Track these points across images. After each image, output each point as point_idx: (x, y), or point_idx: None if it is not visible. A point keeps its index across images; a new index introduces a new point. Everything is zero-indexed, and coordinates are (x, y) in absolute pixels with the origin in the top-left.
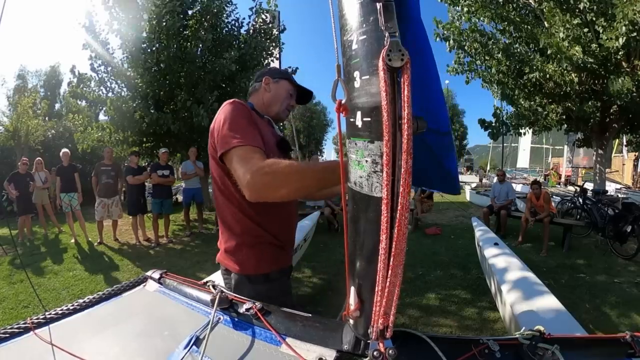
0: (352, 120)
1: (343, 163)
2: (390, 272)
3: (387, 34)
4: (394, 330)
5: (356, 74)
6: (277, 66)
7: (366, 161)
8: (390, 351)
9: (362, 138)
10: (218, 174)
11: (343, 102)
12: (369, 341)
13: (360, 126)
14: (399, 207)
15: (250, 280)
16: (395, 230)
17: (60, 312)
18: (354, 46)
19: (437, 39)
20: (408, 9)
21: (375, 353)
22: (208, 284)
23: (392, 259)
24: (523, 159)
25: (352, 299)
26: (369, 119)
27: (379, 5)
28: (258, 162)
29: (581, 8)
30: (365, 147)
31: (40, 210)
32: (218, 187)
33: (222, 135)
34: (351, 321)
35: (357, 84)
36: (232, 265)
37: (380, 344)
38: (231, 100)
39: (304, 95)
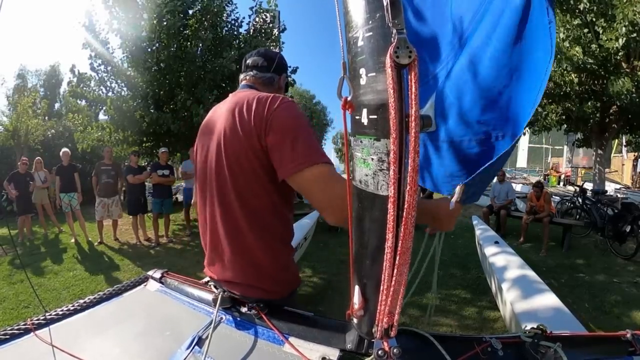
0: (357, 117)
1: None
2: (396, 270)
3: (394, 31)
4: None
5: (362, 71)
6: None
7: (372, 159)
8: (394, 350)
9: (367, 136)
10: (254, 181)
11: (349, 99)
12: (373, 340)
13: (366, 124)
14: (405, 206)
15: (287, 303)
16: (402, 229)
17: (60, 312)
18: (360, 43)
19: None
20: None
21: (380, 352)
22: (209, 283)
23: (398, 258)
24: (522, 159)
25: (356, 298)
26: (375, 117)
27: (385, 1)
28: (344, 188)
29: (581, 9)
30: (371, 145)
31: (40, 210)
32: (247, 194)
33: (301, 145)
34: (355, 320)
35: (362, 81)
36: (265, 290)
37: (385, 343)
38: (289, 99)
39: None
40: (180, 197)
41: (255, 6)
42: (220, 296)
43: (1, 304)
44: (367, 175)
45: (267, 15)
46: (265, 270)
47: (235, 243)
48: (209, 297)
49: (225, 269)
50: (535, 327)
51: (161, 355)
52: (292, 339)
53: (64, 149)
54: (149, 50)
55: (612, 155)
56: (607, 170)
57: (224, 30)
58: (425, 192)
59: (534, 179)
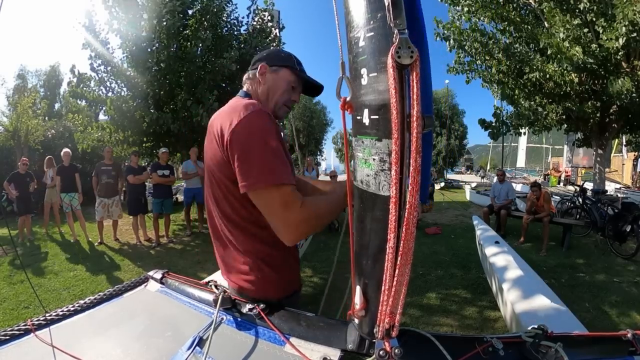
0: (358, 118)
1: (348, 161)
2: (397, 271)
3: (396, 31)
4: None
5: (363, 71)
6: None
7: (373, 159)
8: (396, 350)
9: (369, 136)
10: (226, 196)
11: (348, 99)
12: (374, 340)
13: (367, 124)
14: (407, 206)
15: (288, 304)
16: (404, 229)
17: (61, 313)
18: (361, 43)
19: (438, 38)
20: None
21: (381, 352)
22: (210, 283)
23: (399, 258)
24: (522, 159)
25: (357, 299)
26: (376, 117)
27: (387, 1)
28: (300, 212)
29: (581, 8)
30: (372, 145)
31: (48, 209)
32: (226, 207)
33: (252, 164)
34: (356, 320)
35: (364, 82)
36: (262, 291)
37: (386, 343)
38: (257, 109)
39: (311, 87)
40: (180, 197)
41: (252, 6)
42: (220, 297)
43: (1, 304)
44: (368, 176)
45: (266, 14)
46: (256, 273)
47: (227, 247)
48: (209, 297)
49: (230, 270)
50: (536, 327)
51: (162, 356)
52: (293, 340)
53: (65, 149)
54: (149, 50)
55: (612, 155)
56: (607, 170)
57: (223, 30)
58: None
59: (533, 179)
